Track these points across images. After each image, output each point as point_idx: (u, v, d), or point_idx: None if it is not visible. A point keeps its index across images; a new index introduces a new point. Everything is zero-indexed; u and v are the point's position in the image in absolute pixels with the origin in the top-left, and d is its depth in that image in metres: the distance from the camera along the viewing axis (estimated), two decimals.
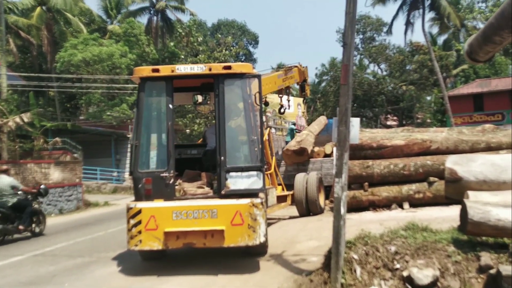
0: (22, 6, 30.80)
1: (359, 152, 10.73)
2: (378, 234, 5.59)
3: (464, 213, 4.97)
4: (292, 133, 17.32)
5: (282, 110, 13.66)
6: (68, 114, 35.27)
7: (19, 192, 10.50)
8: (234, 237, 6.47)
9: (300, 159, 13.09)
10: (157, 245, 6.54)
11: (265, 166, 7.66)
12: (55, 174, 16.78)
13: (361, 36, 48.38)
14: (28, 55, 33.78)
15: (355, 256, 5.24)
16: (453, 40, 43.29)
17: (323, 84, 49.16)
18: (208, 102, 8.10)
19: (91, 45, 30.07)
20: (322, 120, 15.93)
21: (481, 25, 38.13)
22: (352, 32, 5.28)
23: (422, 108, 46.10)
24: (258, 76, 7.27)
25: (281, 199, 10.30)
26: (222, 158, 6.77)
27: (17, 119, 17.60)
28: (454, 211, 6.54)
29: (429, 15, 35.20)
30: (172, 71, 7.15)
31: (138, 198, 6.84)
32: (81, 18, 35.42)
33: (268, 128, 12.00)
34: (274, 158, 10.83)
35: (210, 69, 7.16)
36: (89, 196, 20.75)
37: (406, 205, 10.31)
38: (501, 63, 40.10)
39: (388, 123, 48.00)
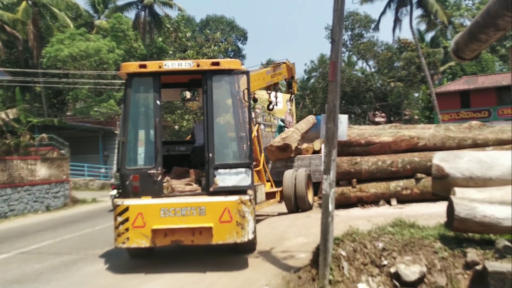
0: (8, 0, 30.36)
1: (348, 148, 10.78)
2: (366, 230, 5.62)
3: (450, 209, 5.00)
4: (280, 129, 17.31)
5: (271, 107, 13.65)
6: (55, 110, 34.90)
7: None
8: (223, 234, 6.45)
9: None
10: (144, 243, 6.50)
11: (254, 163, 7.65)
12: (42, 171, 16.60)
13: (349, 33, 48.55)
14: (13, 50, 33.30)
15: (343, 253, 5.26)
16: (441, 37, 43.63)
17: (312, 80, 49.26)
18: (197, 98, 8.06)
19: (78, 40, 29.77)
20: (310, 119, 15.92)
21: (468, 22, 38.47)
22: (340, 29, 5.28)
23: (410, 105, 46.47)
24: (246, 72, 7.24)
25: (270, 195, 10.30)
26: (210, 155, 6.74)
27: (3, 115, 17.36)
28: (441, 207, 6.61)
29: (417, 12, 35.48)
30: (160, 67, 7.09)
31: (126, 195, 6.79)
32: (68, 12, 35.03)
33: (257, 125, 11.99)
34: (263, 154, 10.82)
35: (198, 65, 7.11)
36: (77, 192, 20.60)
37: (393, 202, 10.39)
38: (488, 60, 40.60)
39: (376, 119, 48.31)
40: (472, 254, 4.81)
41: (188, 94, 7.86)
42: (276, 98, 13.70)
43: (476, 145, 10.72)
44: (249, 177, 6.72)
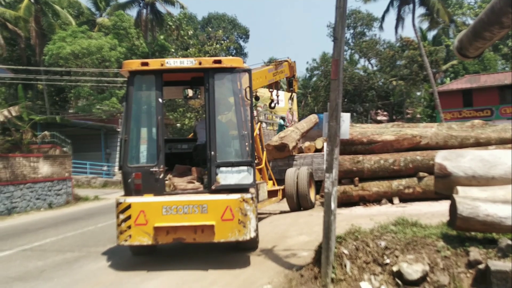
0: None
1: (350, 147, 10.77)
2: (368, 229, 5.61)
3: (453, 208, 4.99)
4: (281, 128, 17.31)
5: (272, 105, 13.64)
6: (57, 108, 34.90)
7: None
8: (225, 232, 6.45)
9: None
10: (147, 240, 6.50)
11: (256, 161, 7.64)
12: (44, 168, 16.62)
13: (351, 31, 48.49)
14: (16, 47, 33.33)
15: (345, 251, 5.25)
16: (443, 36, 43.53)
17: (314, 78, 49.22)
18: (199, 96, 8.04)
19: (80, 37, 29.75)
20: (312, 119, 15.89)
21: (470, 21, 38.40)
22: (343, 27, 5.26)
23: (412, 104, 46.39)
24: (248, 71, 7.22)
25: (272, 193, 10.30)
26: (213, 153, 6.73)
27: (5, 113, 17.40)
28: (443, 206, 6.60)
29: (419, 10, 35.41)
30: (162, 64, 7.08)
31: (128, 193, 6.79)
32: (70, 10, 35.02)
33: (259, 123, 11.99)
34: (265, 152, 10.82)
35: (200, 63, 7.09)
36: (79, 190, 20.62)
37: (396, 200, 10.39)
38: (490, 59, 40.45)
39: (379, 118, 48.26)
40: (475, 253, 4.80)
41: (190, 92, 7.84)
42: (278, 96, 13.69)
43: (479, 144, 10.71)
44: (251, 175, 6.71)
